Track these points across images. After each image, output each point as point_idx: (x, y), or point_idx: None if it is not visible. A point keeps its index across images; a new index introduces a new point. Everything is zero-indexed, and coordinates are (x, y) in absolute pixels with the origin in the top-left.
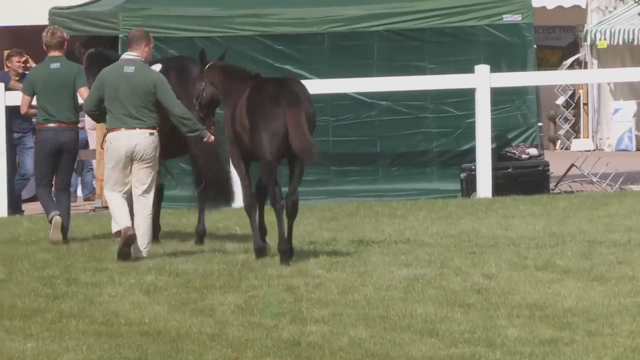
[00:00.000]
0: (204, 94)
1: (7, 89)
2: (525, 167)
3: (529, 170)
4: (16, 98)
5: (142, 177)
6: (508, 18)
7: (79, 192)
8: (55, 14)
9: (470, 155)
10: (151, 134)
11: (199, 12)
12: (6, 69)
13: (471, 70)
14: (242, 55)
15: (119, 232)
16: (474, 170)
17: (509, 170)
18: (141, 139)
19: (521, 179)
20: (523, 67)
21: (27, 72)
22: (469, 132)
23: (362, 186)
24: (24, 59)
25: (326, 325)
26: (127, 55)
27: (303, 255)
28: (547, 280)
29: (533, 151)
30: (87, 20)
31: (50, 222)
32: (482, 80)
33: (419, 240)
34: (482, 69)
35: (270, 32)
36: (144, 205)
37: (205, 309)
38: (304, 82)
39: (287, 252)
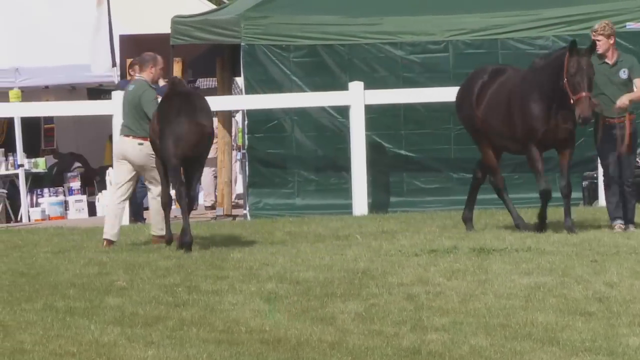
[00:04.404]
0: None
1: None
2: None
3: None
4: None
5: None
6: (631, 26)
7: (201, 200)
8: (178, 22)
9: (592, 163)
10: (140, 144)
11: (320, 20)
12: (129, 78)
13: None
14: (364, 63)
15: (109, 242)
16: (596, 178)
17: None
18: (130, 147)
19: None
20: None
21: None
22: (592, 141)
23: (484, 194)
24: None
25: (446, 333)
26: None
27: (423, 263)
28: None
29: None
30: (209, 29)
31: None
32: None
33: (540, 248)
34: None
35: (393, 40)
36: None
37: (325, 317)
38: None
39: (190, 244)
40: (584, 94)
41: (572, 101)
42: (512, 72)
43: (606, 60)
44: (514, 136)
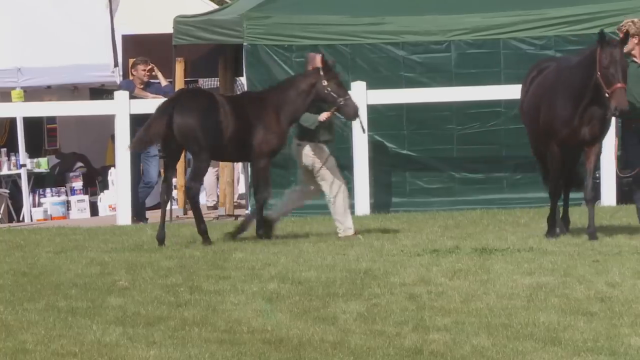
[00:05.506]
0: None
1: (132, 97)
2: None
3: None
4: (141, 106)
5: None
6: None
7: (203, 200)
8: (180, 22)
9: None
10: (298, 144)
11: (323, 19)
12: (131, 77)
13: None
14: (366, 63)
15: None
16: (599, 178)
17: None
18: (293, 148)
19: None
20: None
21: (151, 81)
22: None
23: (486, 195)
24: (149, 67)
25: (448, 333)
26: None
27: (425, 263)
28: None
29: None
30: (211, 29)
31: None
32: None
33: (542, 248)
34: None
35: (395, 40)
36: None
37: (327, 317)
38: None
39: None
40: (618, 85)
41: (606, 94)
42: (554, 67)
43: (634, 60)
44: (538, 132)
